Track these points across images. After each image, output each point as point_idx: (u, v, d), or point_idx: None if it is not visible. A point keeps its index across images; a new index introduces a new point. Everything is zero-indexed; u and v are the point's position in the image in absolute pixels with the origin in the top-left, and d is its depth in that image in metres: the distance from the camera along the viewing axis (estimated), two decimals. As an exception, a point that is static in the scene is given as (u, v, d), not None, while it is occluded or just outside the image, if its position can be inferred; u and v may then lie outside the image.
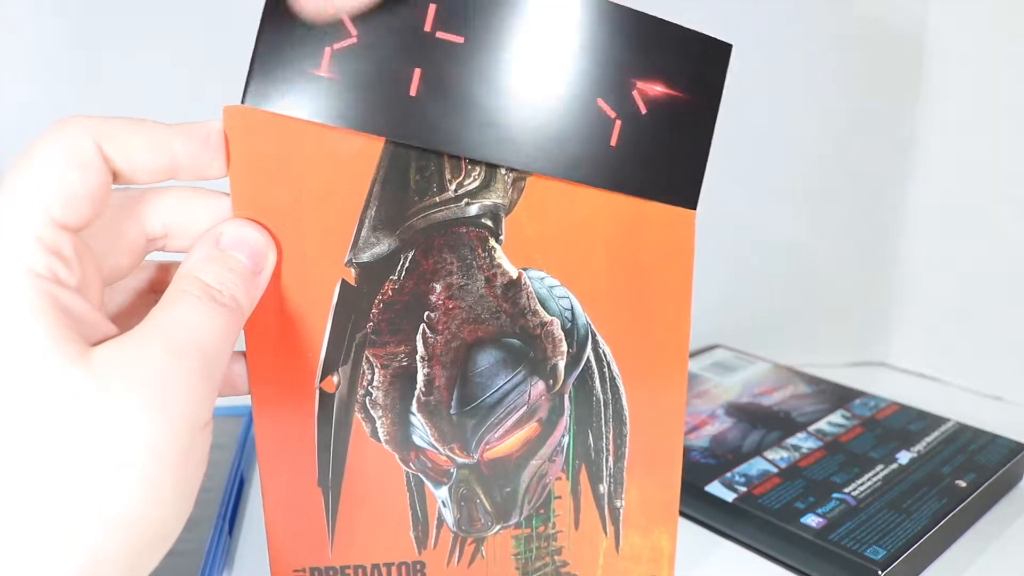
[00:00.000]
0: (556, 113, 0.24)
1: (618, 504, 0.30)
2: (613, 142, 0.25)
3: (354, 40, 0.23)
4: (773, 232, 0.57)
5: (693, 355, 0.55)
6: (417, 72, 0.23)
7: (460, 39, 0.23)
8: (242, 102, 0.23)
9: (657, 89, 0.25)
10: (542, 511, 0.29)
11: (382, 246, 0.25)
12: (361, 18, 0.23)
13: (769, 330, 0.58)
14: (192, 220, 0.24)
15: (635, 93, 0.25)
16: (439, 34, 0.23)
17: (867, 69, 0.56)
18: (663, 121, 0.25)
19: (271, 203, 0.24)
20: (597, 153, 0.25)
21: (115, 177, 0.21)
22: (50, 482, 0.18)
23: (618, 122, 0.25)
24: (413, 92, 0.24)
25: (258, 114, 0.23)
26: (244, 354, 0.26)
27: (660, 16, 0.25)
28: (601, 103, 0.25)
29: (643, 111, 0.25)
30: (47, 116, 0.22)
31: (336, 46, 0.23)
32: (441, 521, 0.29)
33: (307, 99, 0.23)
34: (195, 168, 0.23)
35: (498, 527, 0.29)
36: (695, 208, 0.27)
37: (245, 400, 0.25)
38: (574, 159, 0.25)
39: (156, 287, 0.26)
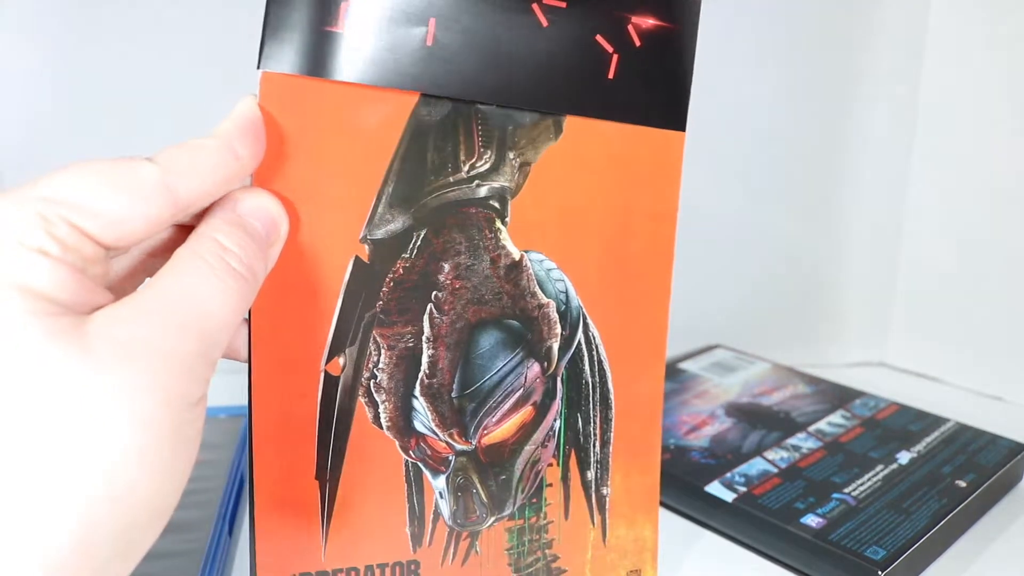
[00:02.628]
0: (559, 52, 0.26)
1: (604, 492, 0.31)
2: (611, 75, 0.27)
3: None
4: (773, 232, 0.58)
5: (693, 355, 0.56)
6: (432, 22, 0.24)
7: None
8: (258, 67, 0.23)
9: (649, 22, 0.27)
10: (534, 500, 0.30)
11: (397, 223, 0.26)
12: None
13: (769, 330, 0.58)
14: (202, 195, 0.23)
15: (630, 28, 0.26)
16: None
17: (867, 69, 0.57)
18: (656, 51, 0.27)
19: (291, 174, 0.24)
20: (596, 86, 0.27)
21: (183, 207, 0.21)
22: (36, 456, 0.17)
23: (616, 56, 0.26)
24: (429, 42, 0.24)
25: (293, 81, 0.23)
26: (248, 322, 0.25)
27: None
28: (600, 39, 0.26)
29: (638, 44, 0.27)
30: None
31: (352, 0, 0.23)
32: (437, 515, 0.28)
33: (327, 58, 0.23)
34: (258, 161, 0.23)
35: (492, 519, 0.29)
36: (684, 129, 0.28)
37: (245, 399, 0.25)
38: (575, 93, 0.26)
39: (168, 248, 0.24)
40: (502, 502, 0.29)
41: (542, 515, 0.30)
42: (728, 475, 0.40)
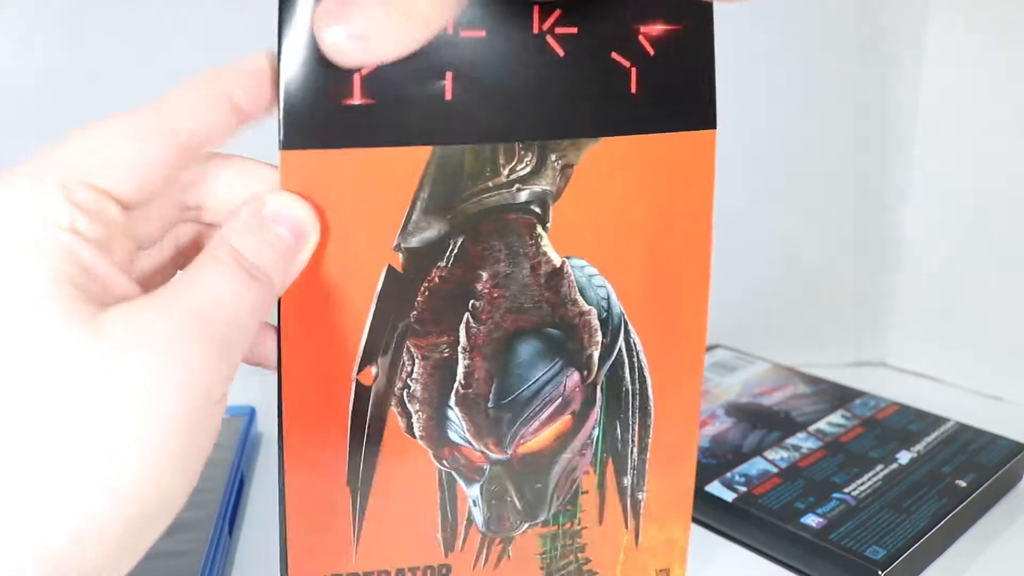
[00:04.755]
0: (580, 78, 0.25)
1: (640, 497, 0.30)
2: (633, 89, 0.26)
3: None
4: (773, 232, 0.58)
5: None
6: (449, 75, 0.24)
7: (482, 32, 0.24)
8: (279, 149, 0.23)
9: (658, 28, 0.26)
10: (569, 507, 0.29)
11: (432, 231, 0.25)
12: None
13: (769, 330, 0.58)
14: (230, 195, 0.23)
15: (641, 38, 0.25)
16: (463, 33, 0.23)
17: (867, 68, 0.56)
18: (671, 56, 0.26)
19: (322, 179, 0.23)
20: (621, 104, 0.26)
21: (187, 147, 0.21)
22: (34, 440, 0.16)
23: (634, 69, 0.26)
24: (448, 96, 0.24)
25: (314, 157, 0.23)
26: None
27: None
28: (615, 56, 0.25)
29: (652, 53, 0.26)
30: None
31: (364, 71, 0.23)
32: (470, 522, 0.28)
33: (347, 130, 0.23)
34: (256, 108, 0.22)
35: (526, 526, 0.29)
36: (715, 127, 0.27)
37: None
38: (603, 115, 0.26)
39: (189, 254, 0.24)
40: (536, 510, 0.29)
41: (576, 521, 0.29)
42: (728, 475, 0.40)
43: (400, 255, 0.25)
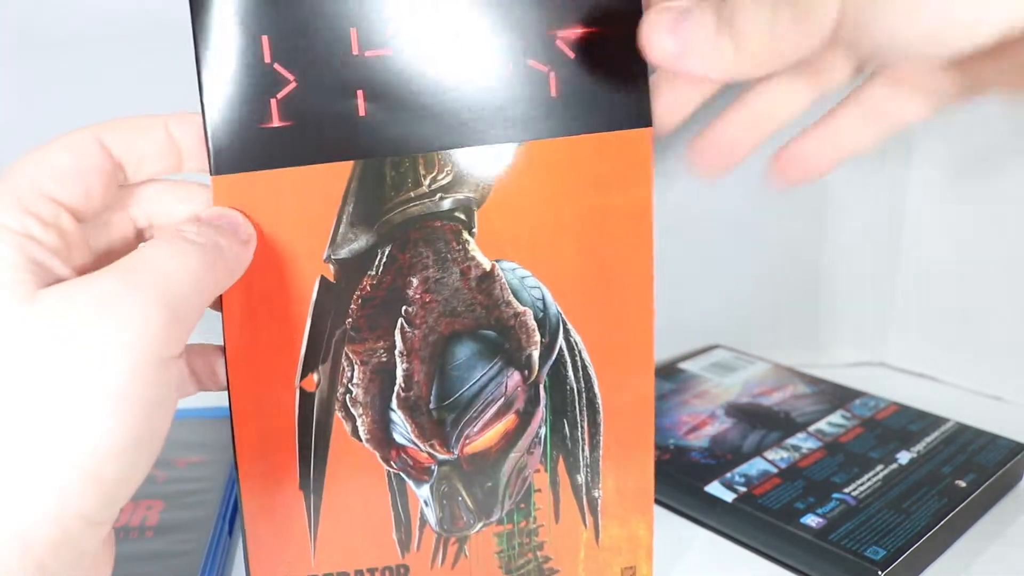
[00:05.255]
0: (495, 87, 0.26)
1: (596, 494, 0.30)
2: (554, 92, 0.26)
3: (294, 84, 0.24)
4: (773, 232, 0.57)
5: (693, 355, 0.55)
6: (360, 93, 0.25)
7: (388, 51, 0.25)
8: (211, 175, 0.24)
9: (577, 32, 0.26)
10: (523, 506, 0.30)
11: (360, 241, 0.26)
12: (293, 62, 0.24)
13: (769, 330, 0.58)
14: (171, 212, 0.25)
15: (558, 43, 0.26)
16: (368, 53, 0.25)
17: None
18: (594, 58, 0.26)
19: (252, 200, 0.25)
20: (542, 107, 0.26)
21: (123, 168, 0.23)
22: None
23: (552, 74, 0.26)
24: (363, 112, 0.25)
25: (242, 180, 0.25)
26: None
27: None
28: (532, 63, 0.26)
29: (571, 55, 0.26)
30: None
31: (280, 95, 0.24)
32: (424, 521, 0.29)
33: (270, 152, 0.25)
34: (197, 155, 0.24)
35: (480, 524, 0.29)
36: (651, 124, 0.27)
37: None
38: (523, 121, 0.26)
39: None
40: (489, 508, 0.29)
41: (532, 519, 0.30)
42: (728, 475, 0.40)
43: (331, 266, 0.26)
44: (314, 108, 0.25)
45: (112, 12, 0.43)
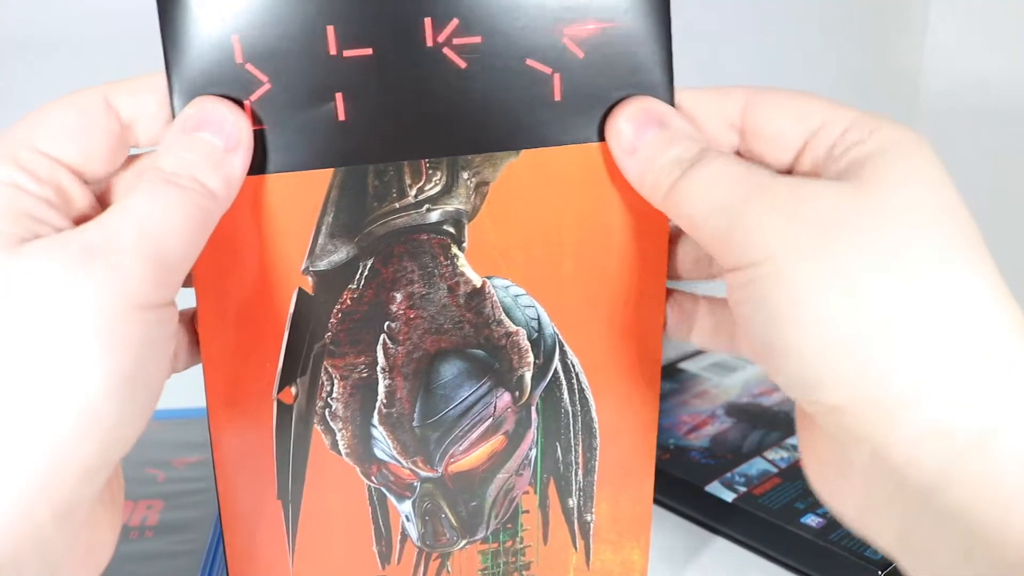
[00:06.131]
0: (488, 89, 0.23)
1: (588, 518, 0.29)
2: (557, 96, 0.24)
3: (267, 86, 0.22)
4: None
5: (693, 355, 0.54)
6: (339, 96, 0.23)
7: (368, 51, 0.23)
8: None
9: (588, 27, 0.23)
10: (509, 526, 0.29)
11: (340, 254, 0.24)
12: (265, 62, 0.22)
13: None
14: (148, 101, 0.23)
15: (565, 41, 0.23)
16: (346, 53, 0.23)
17: (866, 68, 0.56)
18: (606, 56, 0.24)
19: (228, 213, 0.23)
20: (543, 113, 0.24)
21: (133, 129, 0.22)
22: None
23: (556, 76, 0.24)
24: (342, 116, 0.23)
25: None
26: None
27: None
28: (531, 63, 0.23)
29: (581, 55, 0.24)
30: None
31: (253, 97, 0.22)
32: (405, 536, 0.28)
33: None
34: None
35: (464, 542, 0.28)
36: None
37: None
38: (520, 127, 0.24)
39: None
40: (474, 527, 0.28)
41: (519, 539, 0.29)
42: (728, 475, 0.40)
43: (310, 278, 0.24)
44: (287, 112, 0.23)
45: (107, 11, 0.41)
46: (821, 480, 0.23)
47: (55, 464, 0.18)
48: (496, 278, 0.25)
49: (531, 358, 0.26)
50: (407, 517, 0.28)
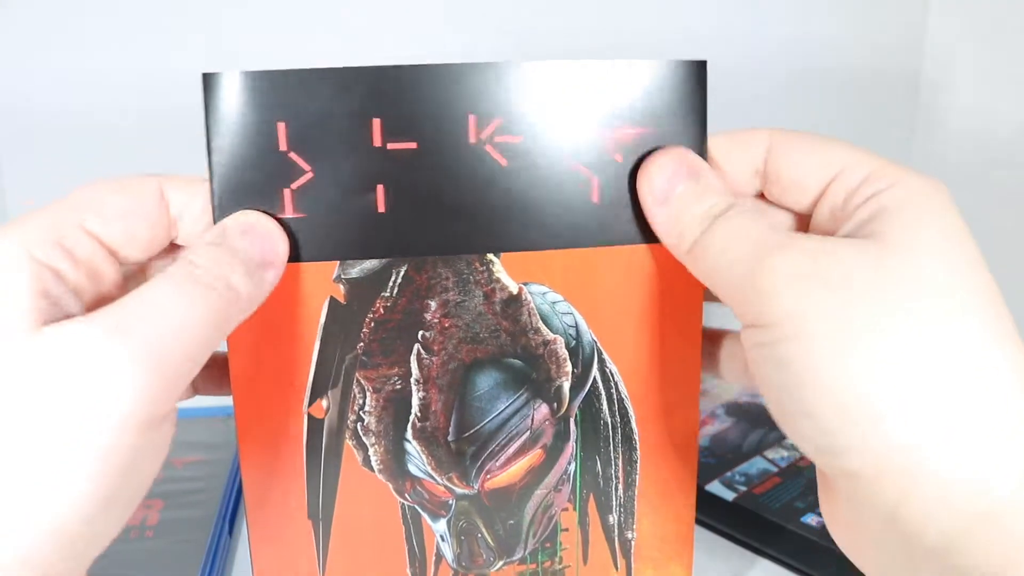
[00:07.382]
0: (526, 189, 0.23)
1: (629, 536, 0.28)
2: (595, 199, 0.24)
3: (311, 175, 0.22)
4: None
5: None
6: (380, 188, 0.23)
7: (413, 144, 0.23)
8: None
9: (629, 132, 0.23)
10: (548, 545, 0.27)
11: (372, 260, 0.23)
12: (310, 152, 0.22)
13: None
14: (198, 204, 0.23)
15: (605, 145, 0.23)
16: (390, 146, 0.23)
17: (866, 68, 0.56)
18: (643, 159, 0.24)
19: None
20: (580, 215, 0.24)
21: (178, 224, 0.22)
22: None
23: (595, 179, 0.24)
24: (382, 208, 0.23)
25: None
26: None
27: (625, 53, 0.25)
28: (571, 166, 0.23)
29: (619, 160, 0.24)
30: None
31: (294, 186, 0.22)
32: (440, 557, 0.27)
33: None
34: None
35: (501, 563, 0.27)
36: None
37: None
38: (557, 228, 0.24)
39: None
40: (511, 547, 0.27)
41: (557, 559, 0.28)
42: (728, 474, 0.40)
43: (341, 286, 0.24)
44: (329, 202, 0.23)
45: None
46: (842, 536, 0.22)
47: (19, 567, 0.17)
48: (533, 284, 0.25)
49: (569, 367, 0.25)
50: (442, 537, 0.27)
